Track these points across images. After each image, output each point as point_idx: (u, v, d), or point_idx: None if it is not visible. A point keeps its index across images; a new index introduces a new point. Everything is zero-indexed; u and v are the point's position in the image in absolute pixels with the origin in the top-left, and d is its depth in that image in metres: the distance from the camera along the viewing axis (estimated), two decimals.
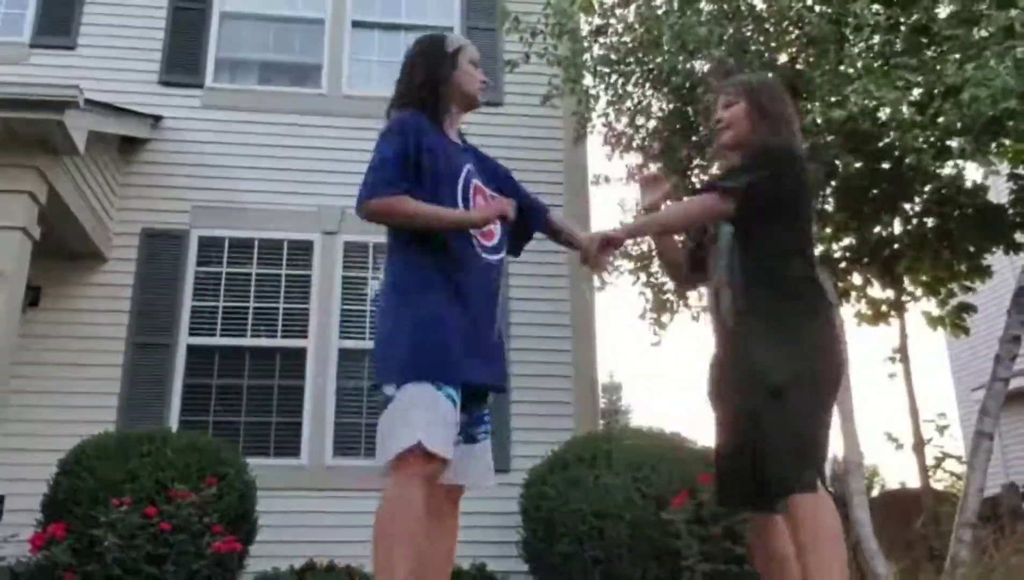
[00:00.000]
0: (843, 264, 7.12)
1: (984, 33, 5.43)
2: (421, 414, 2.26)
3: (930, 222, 6.66)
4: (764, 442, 2.34)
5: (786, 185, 2.54)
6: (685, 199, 2.52)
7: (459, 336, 2.37)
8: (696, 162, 6.61)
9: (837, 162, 6.01)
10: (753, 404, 2.38)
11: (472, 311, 2.42)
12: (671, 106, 6.45)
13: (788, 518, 2.33)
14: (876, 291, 7.14)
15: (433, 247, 2.44)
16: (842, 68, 5.58)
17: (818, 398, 2.41)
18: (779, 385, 2.35)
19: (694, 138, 6.32)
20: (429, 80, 2.56)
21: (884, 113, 5.39)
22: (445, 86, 2.56)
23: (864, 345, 18.59)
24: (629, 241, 2.20)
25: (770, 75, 3.13)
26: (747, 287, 2.52)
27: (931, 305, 7.07)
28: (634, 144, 7.00)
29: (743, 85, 2.73)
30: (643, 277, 7.43)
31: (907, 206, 6.67)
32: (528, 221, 2.74)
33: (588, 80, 6.77)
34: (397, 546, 2.16)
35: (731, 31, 5.79)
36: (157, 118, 6.73)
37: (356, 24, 7.41)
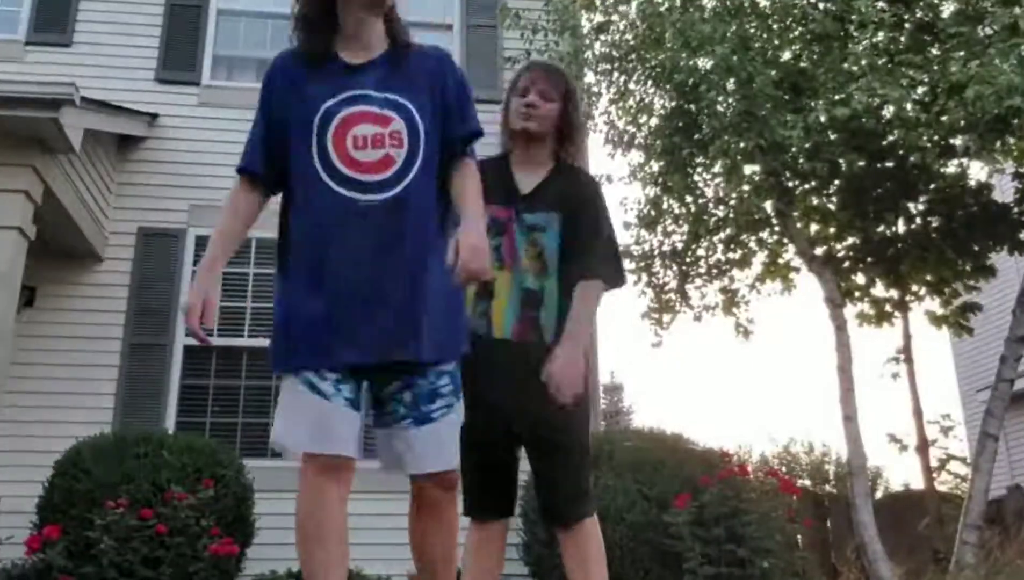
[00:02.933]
0: (846, 264, 7.08)
1: (988, 30, 5.39)
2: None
3: (934, 221, 6.63)
4: (584, 463, 2.54)
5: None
6: (585, 295, 2.56)
7: (308, 312, 2.06)
8: (699, 160, 6.56)
9: (840, 161, 5.96)
10: (579, 424, 2.56)
11: (342, 278, 2.04)
12: (673, 104, 6.41)
13: (572, 534, 2.48)
14: (879, 291, 7.10)
15: (295, 204, 2.17)
16: (846, 65, 5.53)
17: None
18: (587, 404, 2.61)
19: (696, 136, 6.27)
20: None
21: (888, 111, 5.35)
22: None
23: (867, 345, 18.52)
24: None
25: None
26: (561, 304, 2.58)
27: (935, 304, 7.03)
28: (636, 142, 6.96)
29: (566, 87, 2.71)
30: (644, 277, 7.39)
31: (911, 205, 6.64)
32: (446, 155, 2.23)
33: (590, 78, 6.73)
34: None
35: (734, 28, 5.74)
36: (154, 116, 6.67)
37: None
